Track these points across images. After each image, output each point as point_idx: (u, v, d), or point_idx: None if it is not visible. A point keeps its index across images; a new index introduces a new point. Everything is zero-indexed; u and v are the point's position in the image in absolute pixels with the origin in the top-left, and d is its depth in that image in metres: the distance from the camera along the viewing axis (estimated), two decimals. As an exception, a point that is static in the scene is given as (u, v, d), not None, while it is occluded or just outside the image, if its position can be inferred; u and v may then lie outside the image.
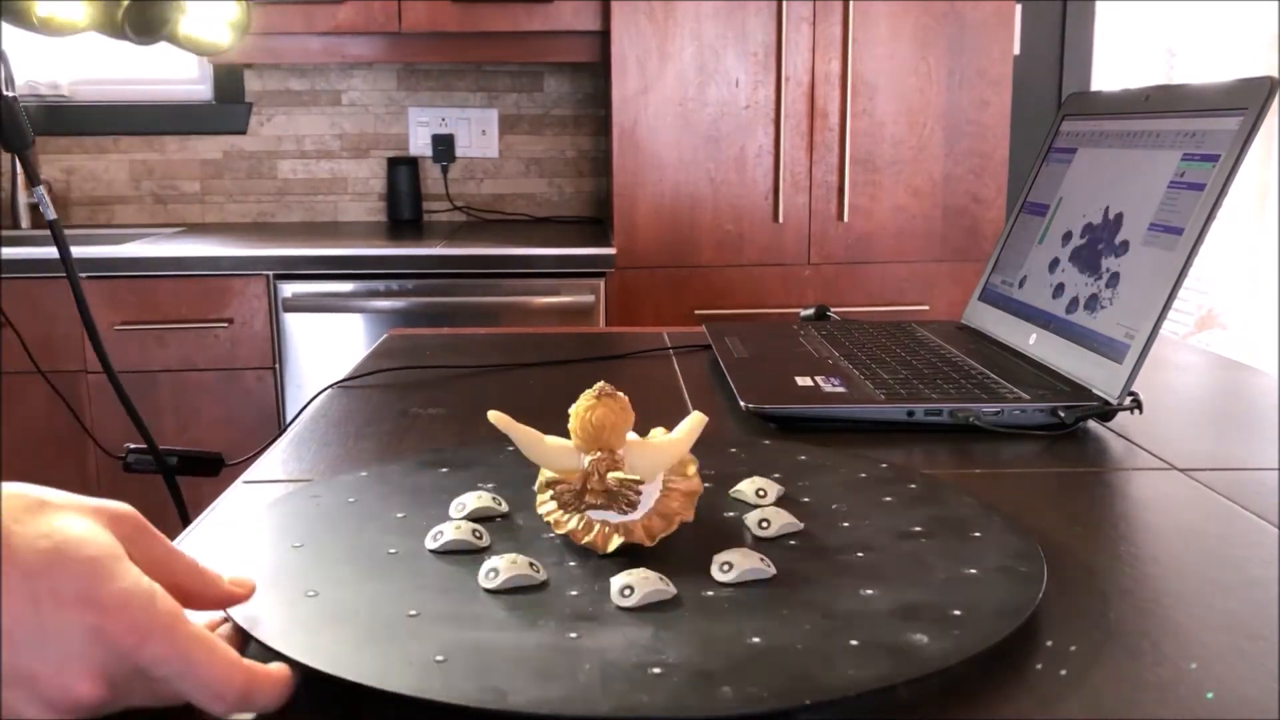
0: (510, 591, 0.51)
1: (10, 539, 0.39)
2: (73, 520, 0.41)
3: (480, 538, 0.57)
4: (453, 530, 0.57)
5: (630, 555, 0.55)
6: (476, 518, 0.61)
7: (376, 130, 2.85)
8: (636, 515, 0.56)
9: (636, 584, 0.51)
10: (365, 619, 0.49)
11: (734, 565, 0.53)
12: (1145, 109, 0.97)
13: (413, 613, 0.49)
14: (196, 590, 0.46)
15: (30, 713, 0.38)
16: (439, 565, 0.55)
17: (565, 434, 0.58)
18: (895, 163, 2.37)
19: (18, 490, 0.41)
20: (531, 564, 0.53)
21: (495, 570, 0.52)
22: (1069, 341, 0.94)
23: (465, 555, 0.56)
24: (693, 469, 0.58)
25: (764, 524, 0.59)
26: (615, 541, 0.55)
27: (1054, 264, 1.02)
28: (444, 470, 0.70)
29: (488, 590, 0.52)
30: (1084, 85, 2.88)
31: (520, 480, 0.67)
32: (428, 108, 2.84)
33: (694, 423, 0.58)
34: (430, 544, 0.57)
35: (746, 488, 0.65)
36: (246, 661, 0.42)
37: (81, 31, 0.69)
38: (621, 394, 0.57)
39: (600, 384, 0.57)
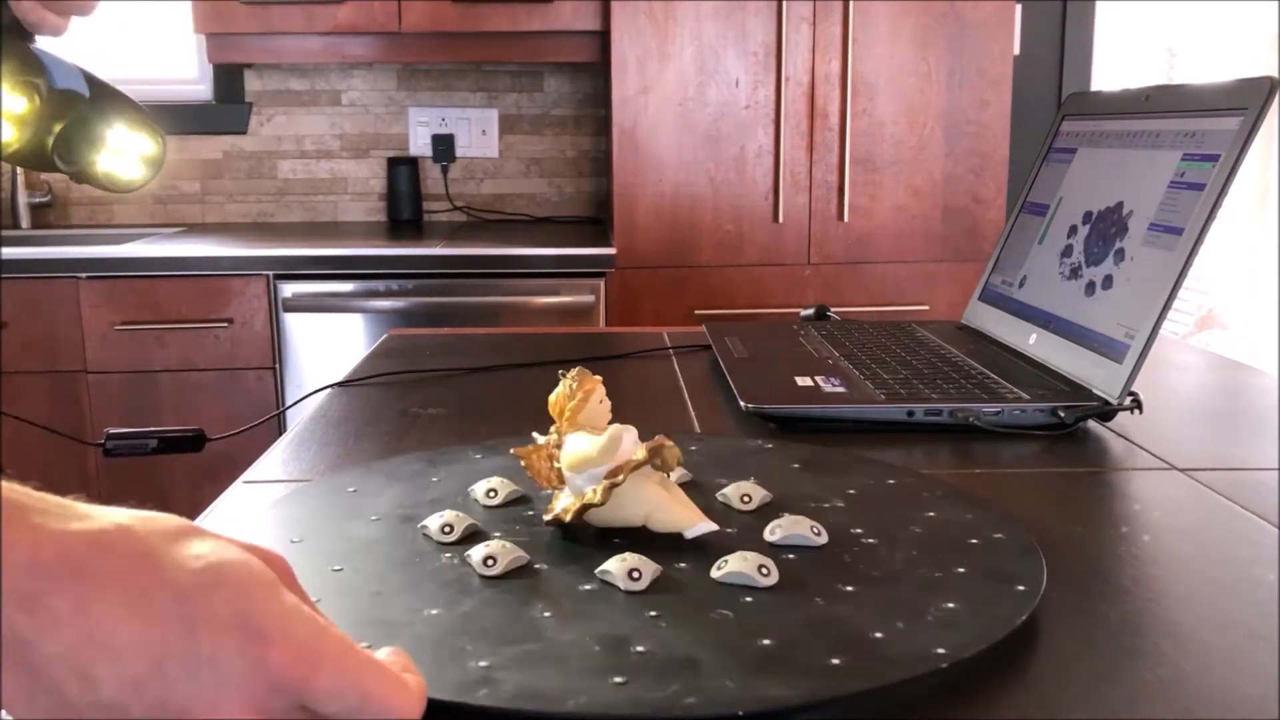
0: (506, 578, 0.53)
1: (160, 559, 0.34)
2: (225, 546, 0.36)
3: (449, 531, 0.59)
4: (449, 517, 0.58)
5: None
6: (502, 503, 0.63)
7: (376, 130, 2.85)
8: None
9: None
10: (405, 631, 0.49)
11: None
12: (1145, 109, 0.97)
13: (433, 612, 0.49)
14: None
15: None
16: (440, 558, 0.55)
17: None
18: (895, 163, 2.37)
19: (163, 517, 0.37)
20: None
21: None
22: (1069, 341, 0.94)
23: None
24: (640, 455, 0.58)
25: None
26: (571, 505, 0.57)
27: (1067, 250, 1.02)
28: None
29: (485, 577, 0.53)
30: (1084, 85, 2.88)
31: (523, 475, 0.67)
32: (428, 108, 2.84)
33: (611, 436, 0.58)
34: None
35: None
36: (410, 678, 0.37)
37: (9, 155, 0.69)
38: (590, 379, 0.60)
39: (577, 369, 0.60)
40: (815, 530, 0.58)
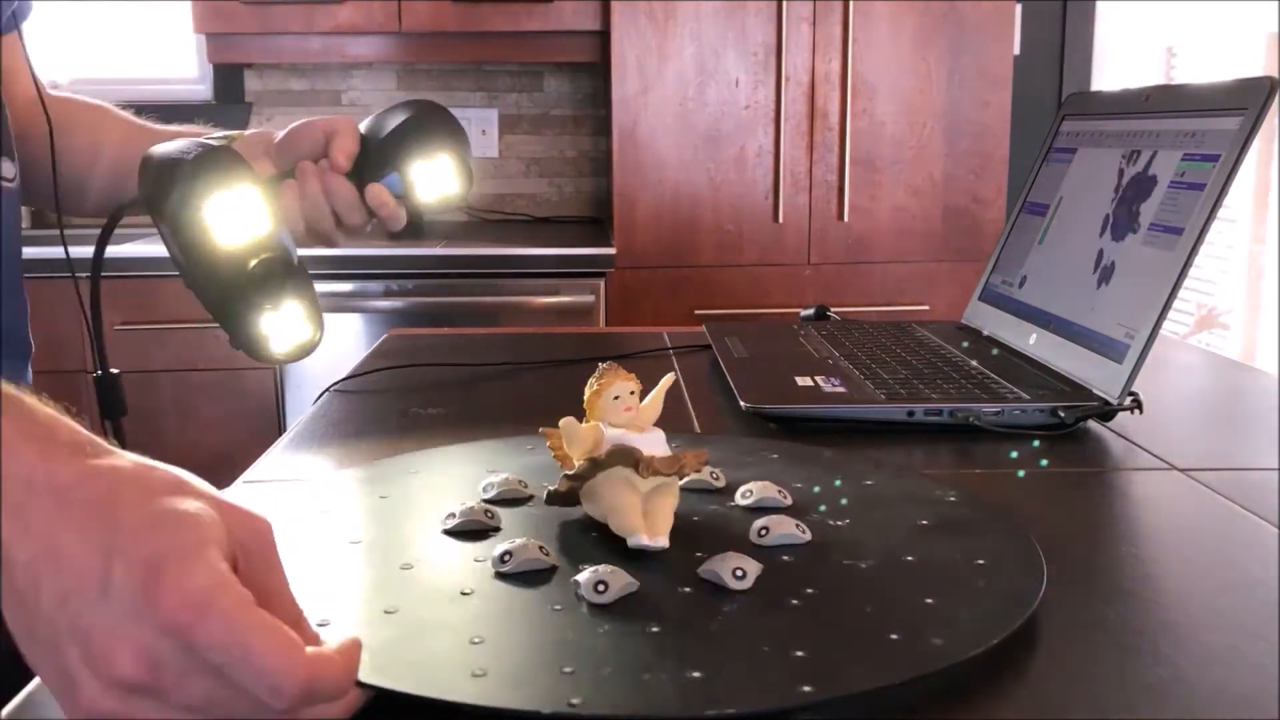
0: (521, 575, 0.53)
1: (128, 499, 0.38)
2: (194, 504, 0.39)
3: (492, 518, 0.59)
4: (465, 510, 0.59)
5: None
6: (501, 499, 0.63)
7: (376, 130, 2.85)
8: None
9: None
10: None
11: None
12: (1145, 109, 0.97)
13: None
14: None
15: (84, 678, 0.36)
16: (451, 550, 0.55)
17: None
18: (895, 163, 2.37)
19: (169, 470, 0.41)
20: (541, 547, 0.54)
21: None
22: (1069, 341, 0.94)
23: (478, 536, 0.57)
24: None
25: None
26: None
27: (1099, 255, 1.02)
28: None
29: (499, 575, 0.53)
30: (1084, 85, 2.88)
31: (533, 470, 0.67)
32: (428, 108, 2.83)
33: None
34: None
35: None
36: (313, 650, 0.37)
37: (212, 251, 0.74)
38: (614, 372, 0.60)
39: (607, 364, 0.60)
40: (801, 529, 0.58)
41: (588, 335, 1.29)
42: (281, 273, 0.76)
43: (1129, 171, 0.94)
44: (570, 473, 0.58)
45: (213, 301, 0.76)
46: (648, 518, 0.56)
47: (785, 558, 0.56)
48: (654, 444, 0.59)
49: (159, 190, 0.72)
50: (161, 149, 0.74)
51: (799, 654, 0.45)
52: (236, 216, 0.73)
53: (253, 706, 0.37)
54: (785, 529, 0.57)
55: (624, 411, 0.59)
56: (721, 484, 0.66)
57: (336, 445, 0.83)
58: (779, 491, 0.63)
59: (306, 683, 0.36)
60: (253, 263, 0.74)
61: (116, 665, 0.36)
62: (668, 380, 0.61)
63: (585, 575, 0.51)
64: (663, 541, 0.55)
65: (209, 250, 0.73)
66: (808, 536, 0.58)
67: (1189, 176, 0.85)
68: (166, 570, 0.36)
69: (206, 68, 2.79)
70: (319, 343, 0.79)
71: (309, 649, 0.37)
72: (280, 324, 0.76)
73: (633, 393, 0.59)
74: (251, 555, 0.40)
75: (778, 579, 0.53)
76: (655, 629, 0.48)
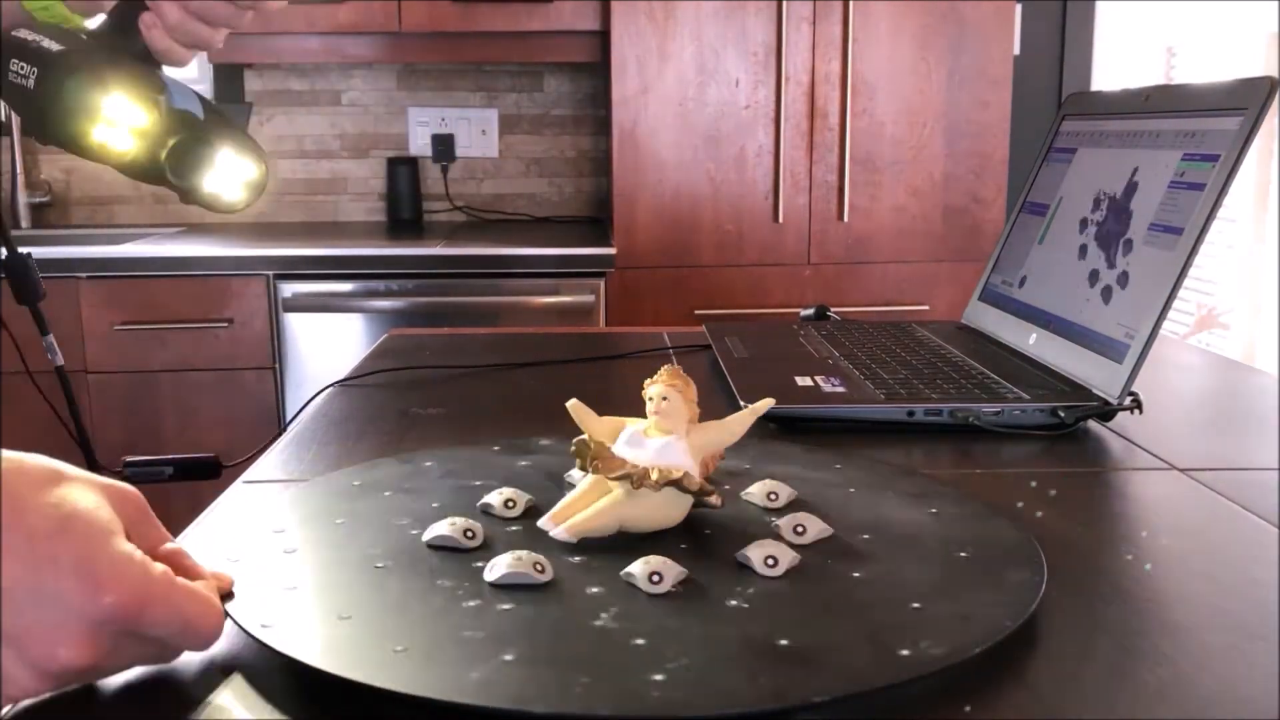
0: (512, 588, 0.52)
1: (24, 503, 0.41)
2: (83, 493, 0.43)
3: (472, 537, 0.57)
4: (446, 527, 0.57)
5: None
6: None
7: (376, 130, 2.85)
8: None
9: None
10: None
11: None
12: (1145, 109, 0.97)
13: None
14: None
15: (17, 674, 0.40)
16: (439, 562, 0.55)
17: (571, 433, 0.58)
18: (895, 163, 2.37)
19: (40, 461, 0.43)
20: (536, 564, 0.53)
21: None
22: (1069, 341, 0.94)
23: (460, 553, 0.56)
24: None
25: (799, 529, 0.59)
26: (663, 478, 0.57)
27: (1082, 250, 1.02)
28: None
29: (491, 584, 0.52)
30: (1084, 85, 2.88)
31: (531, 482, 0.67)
32: (428, 108, 2.84)
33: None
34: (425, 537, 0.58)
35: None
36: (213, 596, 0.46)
37: (125, 162, 0.73)
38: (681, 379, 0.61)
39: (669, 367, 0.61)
40: (795, 531, 0.58)
41: (588, 335, 1.29)
42: (196, 141, 0.74)
43: (1104, 202, 0.94)
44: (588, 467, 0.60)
45: (151, 182, 0.75)
46: (573, 509, 0.58)
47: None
48: (661, 448, 0.58)
49: (35, 127, 0.71)
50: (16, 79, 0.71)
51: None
52: (120, 131, 0.71)
53: (164, 653, 0.45)
54: (817, 527, 0.58)
55: (653, 412, 0.60)
56: (779, 504, 0.64)
57: (336, 445, 0.83)
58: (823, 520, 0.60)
59: (220, 627, 0.45)
60: (163, 154, 0.73)
61: (59, 659, 0.40)
62: (761, 406, 0.62)
63: (638, 567, 0.52)
64: (563, 534, 0.57)
65: (117, 164, 0.72)
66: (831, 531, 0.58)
67: (1189, 176, 0.85)
68: (97, 570, 0.41)
69: (206, 67, 2.79)
70: (266, 172, 0.78)
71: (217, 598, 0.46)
72: (221, 177, 0.75)
73: (666, 398, 0.60)
74: (136, 522, 0.46)
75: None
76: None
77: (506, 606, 0.50)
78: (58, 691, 0.43)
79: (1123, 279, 0.89)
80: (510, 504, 0.62)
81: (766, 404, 0.62)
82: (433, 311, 2.27)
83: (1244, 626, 0.51)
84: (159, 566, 0.43)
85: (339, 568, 0.55)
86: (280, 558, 0.56)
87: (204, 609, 0.44)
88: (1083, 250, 0.97)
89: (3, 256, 0.87)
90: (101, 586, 0.40)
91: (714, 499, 0.60)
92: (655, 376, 0.61)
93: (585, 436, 0.60)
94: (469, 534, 0.57)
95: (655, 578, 0.51)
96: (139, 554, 0.43)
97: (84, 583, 0.40)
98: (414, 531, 0.59)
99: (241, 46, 2.50)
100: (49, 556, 0.40)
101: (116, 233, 2.60)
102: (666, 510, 0.59)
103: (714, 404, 0.95)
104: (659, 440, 0.59)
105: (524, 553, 0.53)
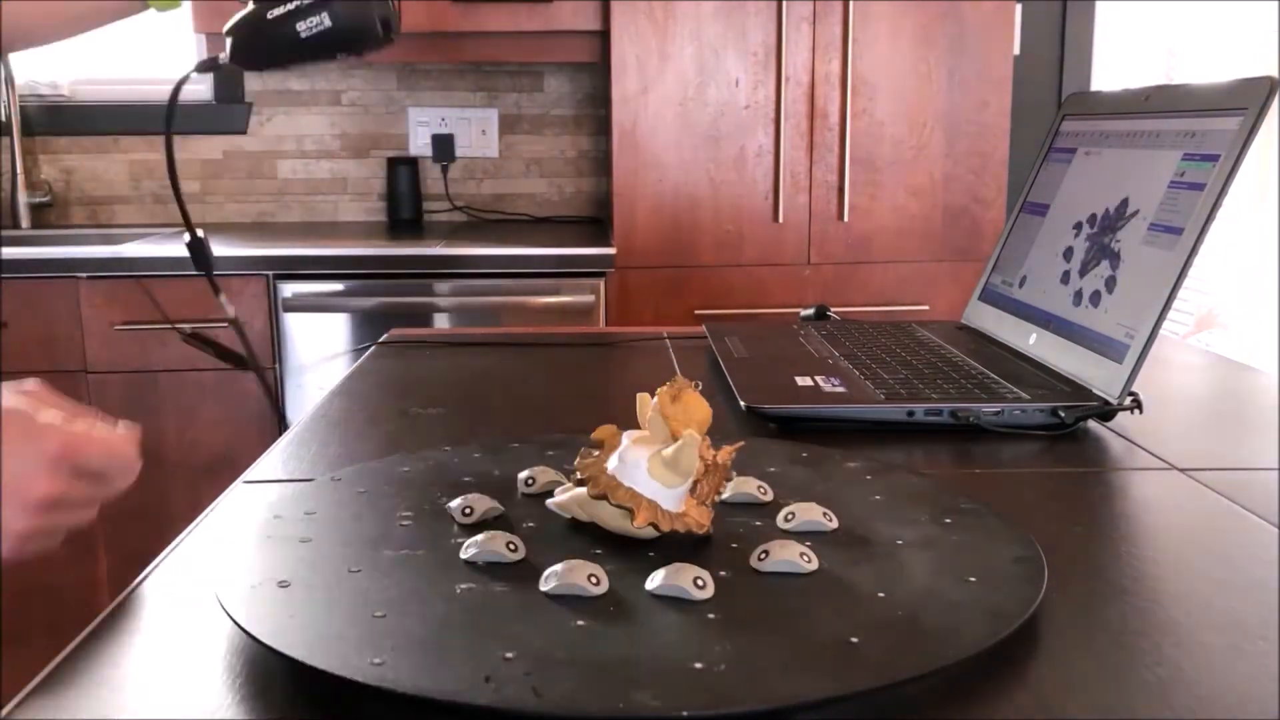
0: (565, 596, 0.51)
1: None
2: (7, 394, 0.57)
3: (515, 549, 0.56)
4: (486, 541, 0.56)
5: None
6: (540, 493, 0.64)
7: (376, 130, 2.85)
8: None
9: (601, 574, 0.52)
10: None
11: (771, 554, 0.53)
12: (1145, 109, 0.97)
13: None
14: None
15: (12, 518, 0.54)
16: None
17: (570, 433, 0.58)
18: (895, 163, 2.37)
19: None
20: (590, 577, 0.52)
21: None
22: (1069, 341, 0.94)
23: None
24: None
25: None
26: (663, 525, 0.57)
27: (1068, 252, 1.02)
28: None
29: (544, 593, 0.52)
30: (1084, 85, 2.88)
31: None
32: (428, 108, 2.84)
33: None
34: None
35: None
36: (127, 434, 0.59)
37: None
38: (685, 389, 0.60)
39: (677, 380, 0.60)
40: (805, 557, 0.55)
41: (588, 335, 1.29)
42: None
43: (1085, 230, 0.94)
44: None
45: None
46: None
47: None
48: (629, 455, 0.58)
49: None
50: None
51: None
52: None
53: (105, 490, 0.58)
54: (789, 554, 0.55)
55: (646, 420, 0.60)
56: (769, 498, 0.65)
57: (336, 445, 0.83)
58: (824, 514, 0.61)
59: (137, 456, 0.59)
60: None
61: (36, 490, 0.54)
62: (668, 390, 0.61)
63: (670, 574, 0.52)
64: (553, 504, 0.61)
65: None
66: (812, 566, 0.55)
67: (1189, 176, 0.85)
68: (41, 437, 0.55)
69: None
70: None
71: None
72: None
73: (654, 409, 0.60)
74: (48, 400, 0.58)
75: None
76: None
77: (499, 589, 0.50)
78: (50, 531, 0.55)
79: (1123, 279, 0.89)
80: (468, 511, 0.61)
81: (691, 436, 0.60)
82: (433, 311, 2.27)
83: (1244, 626, 0.51)
84: (80, 422, 0.57)
85: (339, 567, 0.55)
86: (281, 557, 0.56)
87: (122, 443, 0.58)
88: (1083, 250, 0.97)
89: (187, 240, 1.03)
90: (45, 443, 0.55)
91: (697, 531, 0.58)
92: (663, 385, 0.60)
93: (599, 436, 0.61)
94: (511, 546, 0.56)
95: (593, 579, 0.51)
96: (62, 417, 0.57)
97: (31, 445, 0.55)
98: (413, 528, 0.59)
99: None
100: (6, 438, 0.54)
101: (116, 233, 2.60)
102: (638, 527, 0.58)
103: (714, 404, 0.95)
104: (652, 485, 0.57)
105: (576, 562, 0.53)
